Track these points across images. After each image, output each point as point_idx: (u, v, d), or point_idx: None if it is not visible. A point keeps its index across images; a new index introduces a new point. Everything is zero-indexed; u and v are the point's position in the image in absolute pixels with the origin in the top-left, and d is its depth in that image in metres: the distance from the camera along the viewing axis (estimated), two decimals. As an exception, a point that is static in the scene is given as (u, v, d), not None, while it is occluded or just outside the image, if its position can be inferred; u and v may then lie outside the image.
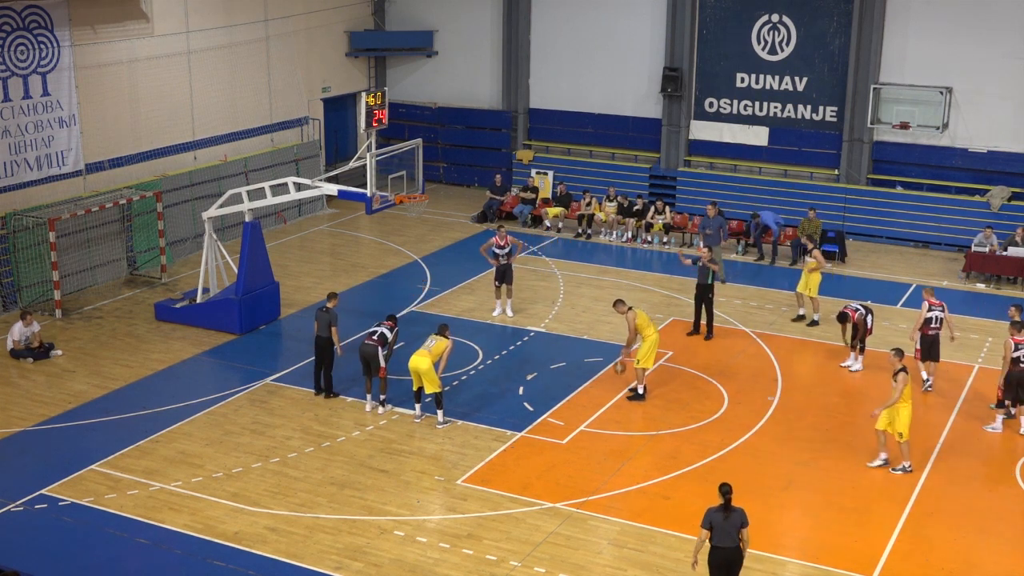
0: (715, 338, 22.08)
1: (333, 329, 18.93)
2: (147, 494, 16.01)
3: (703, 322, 22.26)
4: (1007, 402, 18.51)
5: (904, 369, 16.62)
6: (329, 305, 19.19)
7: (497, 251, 22.98)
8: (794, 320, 23.07)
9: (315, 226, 30.21)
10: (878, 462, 16.96)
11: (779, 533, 15.25)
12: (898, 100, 28.49)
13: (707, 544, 12.75)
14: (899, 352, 16.91)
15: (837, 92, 29.20)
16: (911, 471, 16.80)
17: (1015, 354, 17.90)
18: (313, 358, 19.45)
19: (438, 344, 18.05)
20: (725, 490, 12.63)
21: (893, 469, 16.86)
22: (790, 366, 20.84)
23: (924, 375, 19.90)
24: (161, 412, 18.71)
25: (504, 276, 23.12)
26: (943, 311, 19.76)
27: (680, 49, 30.36)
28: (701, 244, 27.88)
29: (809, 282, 22.74)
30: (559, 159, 32.54)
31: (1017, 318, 18.51)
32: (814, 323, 22.85)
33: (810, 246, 23.75)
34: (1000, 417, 18.40)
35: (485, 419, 18.48)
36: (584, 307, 23.90)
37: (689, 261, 22.76)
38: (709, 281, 21.92)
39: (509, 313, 23.30)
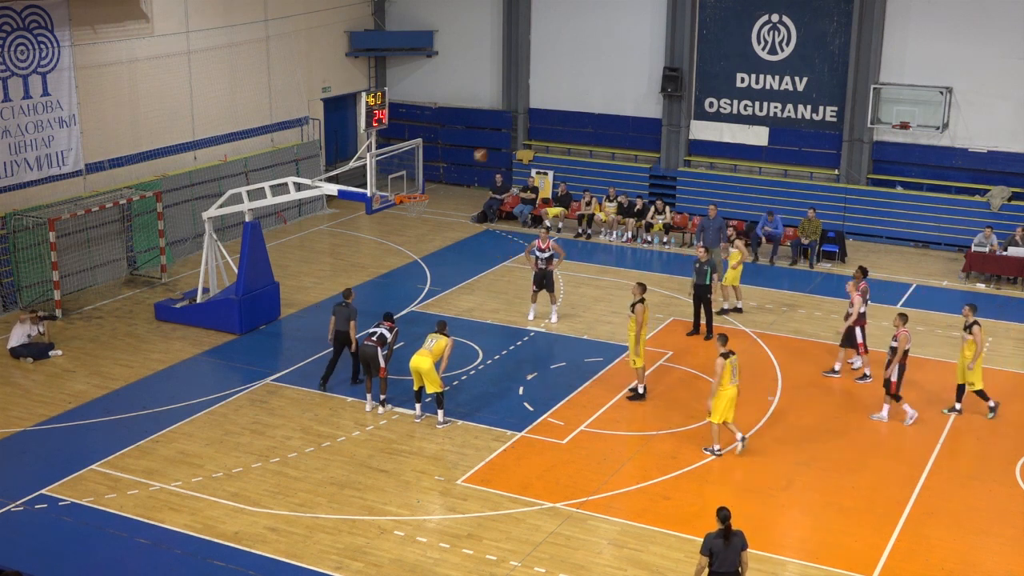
0: (715, 338, 22.04)
1: (352, 324, 19.17)
2: (147, 494, 16.01)
3: (703, 322, 22.27)
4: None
5: (723, 355, 16.86)
6: (348, 301, 19.42)
7: (538, 253, 22.62)
8: (718, 312, 23.14)
9: (315, 226, 30.21)
10: (717, 447, 17.30)
11: (779, 533, 15.26)
12: (898, 100, 28.49)
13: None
14: (723, 337, 17.15)
15: (837, 92, 29.20)
16: (720, 454, 17.22)
17: (908, 346, 18.28)
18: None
19: (438, 343, 18.04)
20: (724, 515, 12.04)
21: (704, 449, 17.35)
22: (790, 366, 20.83)
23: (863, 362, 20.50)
24: (161, 412, 18.71)
25: (543, 282, 22.66)
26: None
27: (680, 49, 30.36)
28: (700, 244, 27.93)
29: (730, 274, 23.20)
30: (559, 159, 32.53)
31: (972, 318, 18.52)
32: (735, 310, 23.34)
33: (732, 235, 23.73)
34: (886, 407, 18.62)
35: (485, 419, 18.48)
36: (584, 307, 23.89)
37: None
38: (707, 281, 21.94)
39: (554, 319, 22.84)
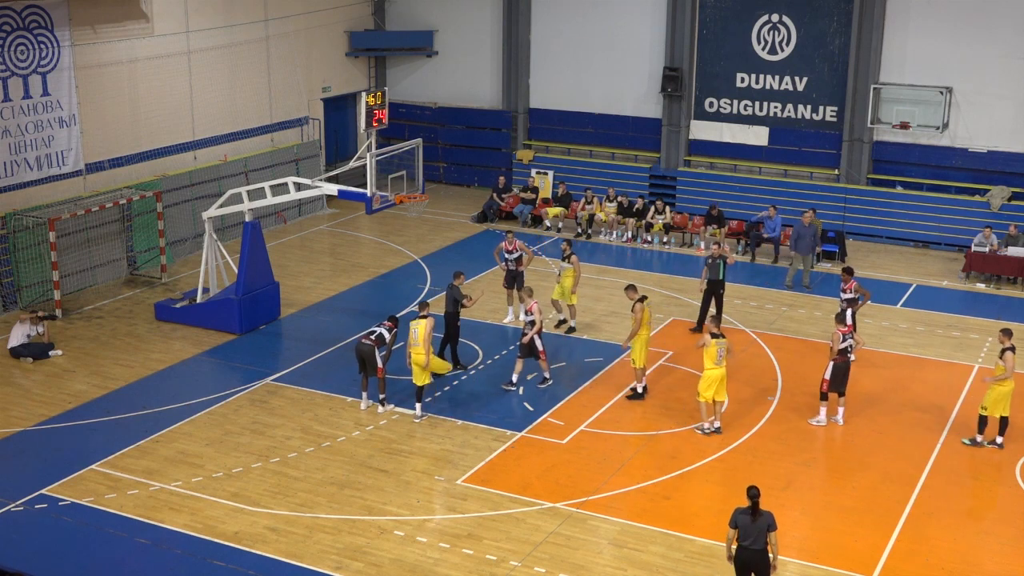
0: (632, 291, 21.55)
1: (458, 304, 20.15)
2: (147, 494, 16.01)
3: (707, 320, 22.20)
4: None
5: (640, 300, 18.98)
6: (455, 283, 20.30)
7: (506, 255, 22.70)
8: (557, 326, 22.50)
9: (315, 226, 30.21)
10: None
11: (779, 533, 15.20)
12: (898, 100, 28.48)
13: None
14: (632, 287, 19.51)
15: (837, 92, 29.20)
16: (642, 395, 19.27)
17: (842, 345, 18.04)
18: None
19: (419, 330, 17.99)
20: (753, 493, 12.69)
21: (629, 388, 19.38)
22: (790, 366, 20.83)
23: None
24: (161, 412, 18.72)
25: (514, 282, 22.69)
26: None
27: (680, 49, 30.36)
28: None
29: (565, 288, 22.18)
30: (559, 159, 32.53)
31: (1008, 343, 17.78)
32: (570, 329, 22.44)
33: (567, 250, 22.42)
34: (824, 409, 18.41)
35: (485, 419, 18.48)
36: (584, 307, 23.87)
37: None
38: (720, 277, 21.92)
39: (523, 317, 22.90)
